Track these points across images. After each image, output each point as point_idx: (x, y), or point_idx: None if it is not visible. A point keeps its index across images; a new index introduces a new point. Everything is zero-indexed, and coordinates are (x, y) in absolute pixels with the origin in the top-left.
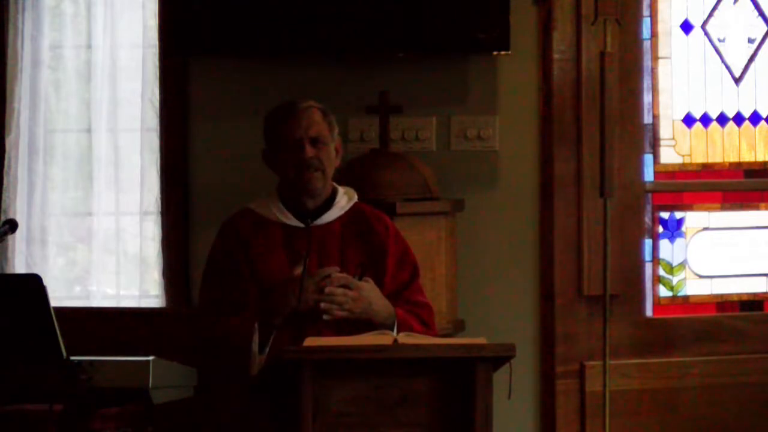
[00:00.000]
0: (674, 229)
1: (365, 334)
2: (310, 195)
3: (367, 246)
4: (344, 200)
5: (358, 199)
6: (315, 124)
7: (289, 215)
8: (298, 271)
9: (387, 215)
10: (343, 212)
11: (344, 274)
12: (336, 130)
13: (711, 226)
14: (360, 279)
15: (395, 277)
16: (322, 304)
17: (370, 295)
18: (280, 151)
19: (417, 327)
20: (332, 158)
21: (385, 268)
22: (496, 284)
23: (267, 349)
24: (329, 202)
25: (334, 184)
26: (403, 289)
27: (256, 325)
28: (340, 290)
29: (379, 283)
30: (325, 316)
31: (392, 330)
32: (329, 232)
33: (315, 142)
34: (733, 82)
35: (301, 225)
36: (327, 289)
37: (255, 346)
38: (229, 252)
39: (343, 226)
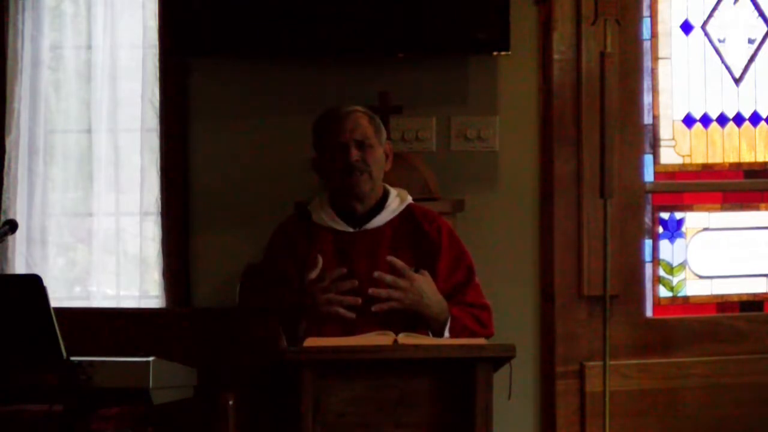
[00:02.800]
0: (674, 230)
1: (365, 335)
2: (358, 198)
3: (419, 248)
4: (396, 203)
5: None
6: (360, 128)
7: (339, 220)
8: (313, 275)
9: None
10: (394, 215)
11: (400, 262)
12: (384, 134)
13: (711, 226)
14: (416, 272)
15: (449, 279)
16: (371, 290)
17: (423, 287)
18: (327, 156)
19: (473, 326)
20: (379, 161)
21: (436, 269)
22: (496, 284)
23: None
24: (380, 205)
25: (386, 186)
26: (458, 290)
27: (281, 327)
28: (390, 277)
29: None
30: (374, 307)
31: (444, 326)
32: (379, 235)
33: (360, 145)
34: (733, 82)
35: (351, 230)
36: (376, 274)
37: (284, 345)
38: (279, 257)
39: (394, 229)
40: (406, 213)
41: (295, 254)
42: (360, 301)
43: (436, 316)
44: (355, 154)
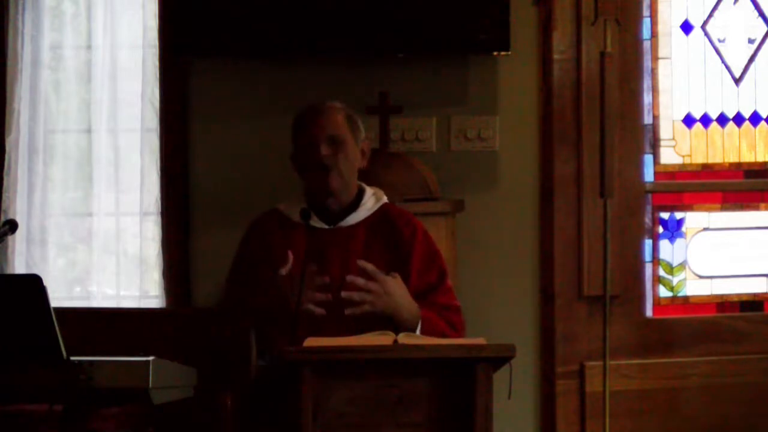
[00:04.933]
0: (674, 230)
1: (365, 335)
2: (328, 195)
3: (392, 248)
4: (371, 201)
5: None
6: (333, 125)
7: (314, 217)
8: (283, 271)
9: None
10: (369, 214)
11: (370, 265)
12: (361, 133)
13: (711, 226)
14: (387, 274)
15: (421, 279)
16: (343, 293)
17: (395, 290)
18: (300, 152)
19: (444, 328)
20: (352, 159)
21: (409, 269)
22: (496, 284)
23: (267, 356)
24: (355, 203)
25: (362, 184)
26: (430, 290)
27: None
28: (361, 280)
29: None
30: (347, 311)
31: (415, 329)
32: (353, 233)
33: (332, 142)
34: (733, 82)
35: (325, 227)
36: (348, 278)
37: (253, 352)
38: (252, 252)
39: (368, 227)
40: (381, 212)
41: (269, 251)
42: (330, 297)
43: (407, 318)
44: (325, 150)
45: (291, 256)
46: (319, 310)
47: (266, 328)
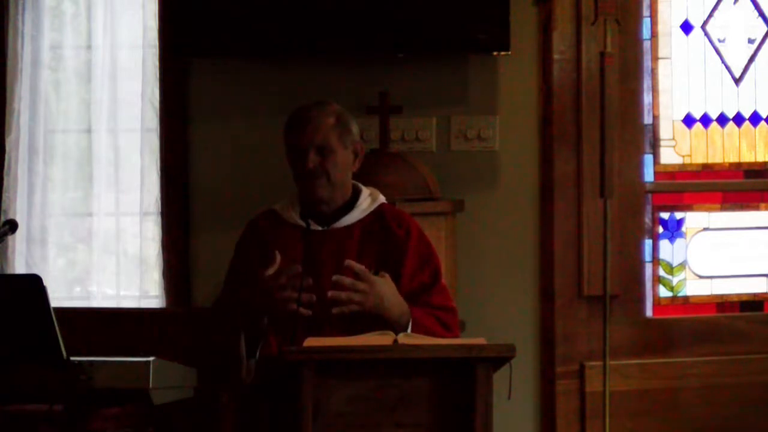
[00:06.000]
0: (674, 230)
1: (365, 335)
2: (316, 203)
3: (386, 248)
4: (367, 203)
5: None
6: (322, 132)
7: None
8: (269, 272)
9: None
10: (364, 215)
11: (359, 265)
12: (353, 135)
13: (711, 226)
14: (376, 274)
15: (414, 279)
16: (330, 293)
17: (383, 290)
18: (290, 158)
19: (435, 328)
20: (342, 165)
21: (402, 270)
22: (496, 284)
23: (257, 355)
24: (350, 204)
25: (358, 185)
26: (424, 291)
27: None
28: (348, 280)
29: (396, 284)
30: (334, 310)
31: (406, 329)
32: (348, 235)
33: (320, 150)
34: (733, 82)
35: (319, 228)
36: (334, 277)
37: (242, 351)
38: (248, 253)
39: (363, 228)
40: (377, 213)
41: (265, 251)
42: (315, 298)
43: (397, 318)
44: (312, 159)
45: (278, 256)
46: (306, 312)
47: (255, 328)
